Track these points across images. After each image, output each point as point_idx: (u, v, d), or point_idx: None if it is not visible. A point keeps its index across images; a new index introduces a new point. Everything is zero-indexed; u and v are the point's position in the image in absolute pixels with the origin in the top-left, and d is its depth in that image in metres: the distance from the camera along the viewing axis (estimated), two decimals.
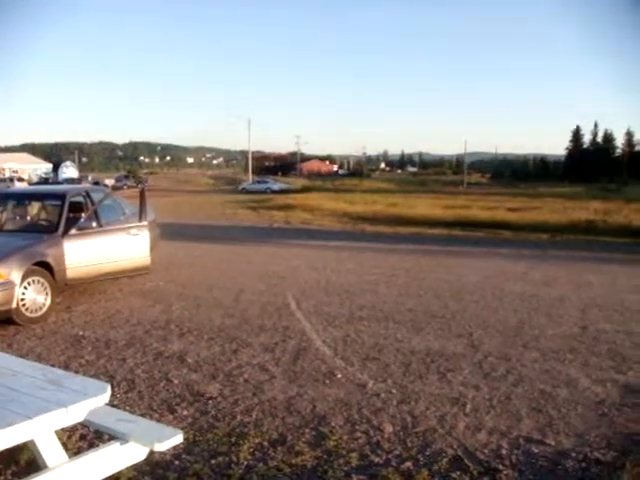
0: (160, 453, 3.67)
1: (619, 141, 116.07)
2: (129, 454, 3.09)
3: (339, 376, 5.53)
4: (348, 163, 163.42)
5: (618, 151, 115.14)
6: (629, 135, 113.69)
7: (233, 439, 4.21)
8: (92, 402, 2.96)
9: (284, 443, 4.17)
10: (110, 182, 63.43)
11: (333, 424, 4.50)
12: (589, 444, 4.25)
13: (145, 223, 9.09)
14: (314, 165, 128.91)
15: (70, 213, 8.53)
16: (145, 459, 3.25)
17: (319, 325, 7.31)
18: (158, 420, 4.45)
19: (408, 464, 3.92)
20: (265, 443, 4.17)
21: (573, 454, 4.10)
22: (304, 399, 4.98)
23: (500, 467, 3.90)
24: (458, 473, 3.81)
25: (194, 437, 4.22)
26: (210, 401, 4.92)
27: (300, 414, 4.68)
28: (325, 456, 4.00)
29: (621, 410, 4.88)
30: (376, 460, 3.96)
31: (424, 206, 30.23)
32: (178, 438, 3.12)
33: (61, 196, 8.87)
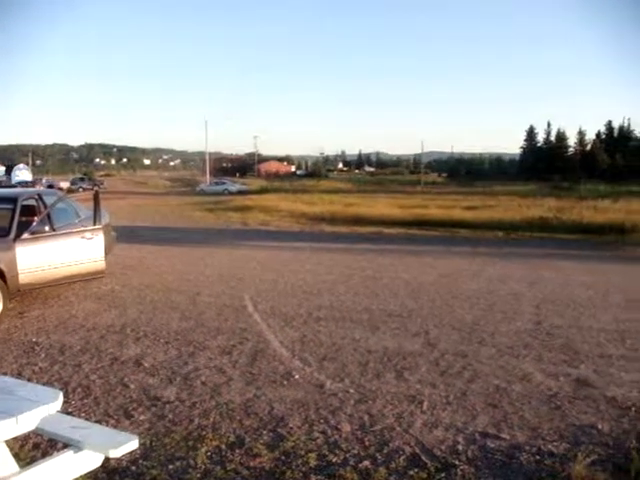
0: (116, 459, 3.63)
1: (571, 140, 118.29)
2: (84, 462, 3.04)
3: (297, 377, 5.53)
4: (306, 163, 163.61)
5: (571, 150, 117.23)
6: (581, 134, 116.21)
7: (190, 443, 4.18)
8: (43, 410, 2.90)
9: (242, 445, 4.15)
10: (65, 185, 62.25)
11: (291, 425, 4.50)
12: (542, 437, 4.34)
13: (100, 226, 8.95)
14: (272, 166, 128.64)
15: (22, 217, 8.35)
16: (101, 466, 3.20)
17: (276, 326, 7.30)
18: (114, 426, 4.39)
19: (366, 463, 3.94)
20: (223, 446, 4.14)
21: (527, 447, 4.17)
22: (262, 401, 4.97)
23: (457, 463, 3.94)
24: (415, 470, 3.84)
25: (151, 442, 4.18)
26: (167, 405, 4.87)
27: (258, 416, 4.66)
28: (283, 457, 3.99)
29: (573, 403, 4.99)
30: (334, 460, 3.97)
31: (382, 206, 30.42)
32: (134, 444, 3.07)
33: (13, 200, 8.68)
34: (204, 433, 4.34)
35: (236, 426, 4.48)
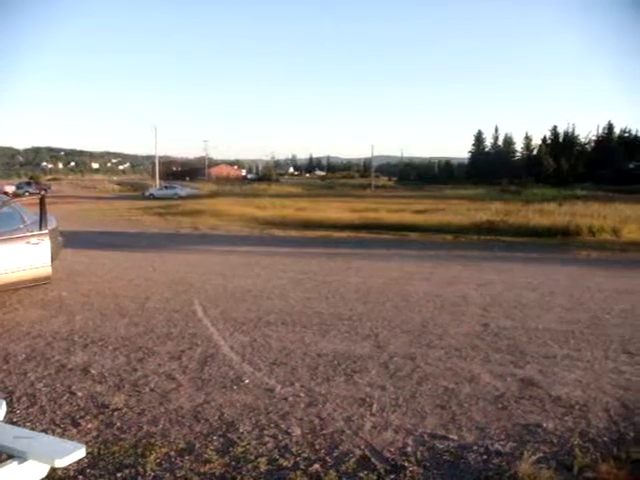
0: (63, 469, 3.58)
1: (518, 145, 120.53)
2: (28, 473, 2.99)
3: (247, 382, 5.52)
4: (257, 168, 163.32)
5: (518, 154, 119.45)
6: (527, 139, 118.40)
7: (139, 450, 4.14)
8: None
9: (192, 452, 4.13)
10: (11, 189, 60.86)
11: (241, 430, 4.49)
12: (490, 437, 4.42)
13: (46, 231, 8.76)
14: (222, 170, 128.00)
15: None
16: (46, 476, 3.15)
17: (226, 331, 7.27)
18: (61, 435, 4.33)
19: (316, 466, 3.96)
20: (172, 453, 4.12)
21: (475, 447, 4.25)
22: (212, 406, 4.95)
23: (406, 464, 3.99)
24: (365, 472, 3.88)
25: (99, 450, 4.13)
26: (115, 412, 4.81)
27: (208, 421, 4.65)
28: (234, 463, 3.99)
29: (519, 402, 5.09)
30: (285, 464, 3.98)
31: (332, 210, 30.51)
32: (80, 452, 3.03)
33: None
34: (153, 440, 4.31)
35: (186, 432, 4.45)
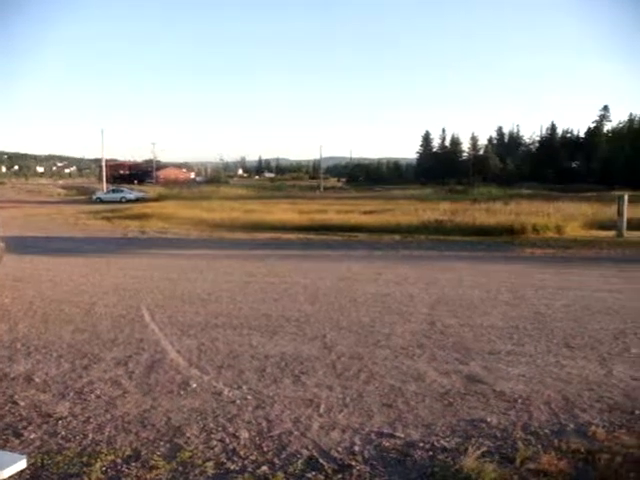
0: None
1: (465, 145, 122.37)
2: None
3: (194, 386, 5.49)
4: (206, 170, 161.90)
5: (464, 154, 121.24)
6: (474, 140, 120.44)
7: (85, 459, 4.08)
8: None
9: (138, 458, 4.09)
10: None
11: (188, 435, 4.47)
12: (436, 433, 4.49)
13: None
14: (171, 173, 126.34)
15: None
16: None
17: (173, 336, 7.22)
18: (2, 447, 4.23)
19: (264, 468, 3.96)
20: (118, 460, 4.07)
21: (421, 444, 4.31)
22: (158, 412, 4.91)
23: (353, 463, 4.02)
24: (313, 473, 3.90)
25: (42, 461, 4.05)
26: (60, 421, 4.73)
27: (155, 427, 4.61)
28: (180, 468, 3.96)
29: (464, 398, 5.19)
30: (232, 467, 3.97)
31: (281, 211, 30.50)
32: (21, 464, 2.97)
33: None
34: (99, 448, 4.25)
35: (132, 439, 4.40)
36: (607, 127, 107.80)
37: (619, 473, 3.80)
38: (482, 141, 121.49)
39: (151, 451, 4.20)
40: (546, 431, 4.54)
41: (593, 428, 4.56)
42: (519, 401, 5.14)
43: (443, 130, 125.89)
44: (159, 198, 55.33)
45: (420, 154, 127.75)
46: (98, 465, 3.98)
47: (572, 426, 4.63)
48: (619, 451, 4.14)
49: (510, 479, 3.80)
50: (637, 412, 4.92)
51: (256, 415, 4.84)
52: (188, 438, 4.41)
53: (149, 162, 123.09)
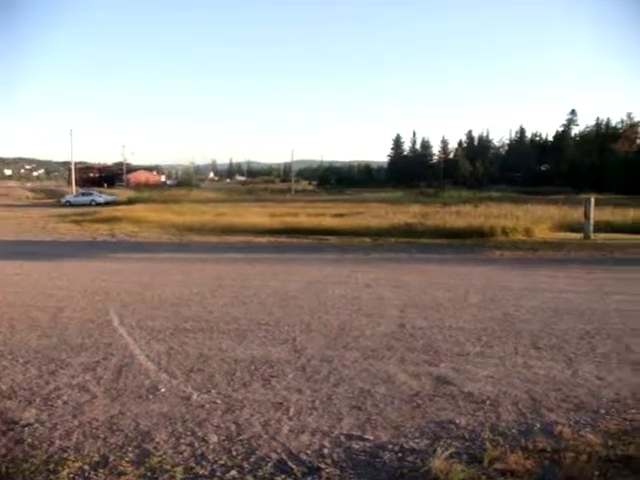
0: None
1: (436, 149, 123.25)
2: None
3: (163, 390, 5.46)
4: (176, 173, 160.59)
5: (435, 158, 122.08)
6: (444, 143, 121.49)
7: (51, 466, 4.03)
8: None
9: (106, 465, 4.06)
10: None
11: (157, 440, 4.44)
12: (405, 435, 4.53)
13: None
14: (141, 176, 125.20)
15: None
16: None
17: (142, 340, 7.17)
18: None
19: (233, 472, 3.96)
20: (86, 467, 4.03)
21: (390, 446, 4.34)
22: (127, 417, 4.87)
23: (322, 466, 4.04)
24: (282, 476, 3.91)
25: (7, 469, 3.99)
26: (26, 428, 4.67)
27: (123, 433, 4.57)
28: (149, 473, 3.94)
29: (433, 400, 5.23)
30: (201, 472, 3.97)
31: (252, 215, 30.40)
32: None
33: None
34: (66, 455, 4.21)
35: (100, 445, 4.37)
36: (575, 131, 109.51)
37: (584, 471, 3.86)
38: (452, 144, 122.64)
39: (119, 457, 4.17)
40: (513, 431, 4.60)
41: (559, 427, 4.63)
42: (487, 402, 5.19)
43: (414, 133, 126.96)
44: (129, 201, 54.78)
45: (391, 157, 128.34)
46: (65, 472, 3.94)
47: (539, 426, 4.70)
48: (584, 450, 4.21)
49: (478, 479, 3.83)
50: (602, 411, 5.01)
51: (225, 419, 4.83)
52: (157, 443, 4.39)
53: (119, 165, 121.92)
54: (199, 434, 4.55)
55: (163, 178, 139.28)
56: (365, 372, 5.97)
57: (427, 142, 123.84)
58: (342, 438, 4.48)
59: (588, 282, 11.73)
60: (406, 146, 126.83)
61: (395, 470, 3.99)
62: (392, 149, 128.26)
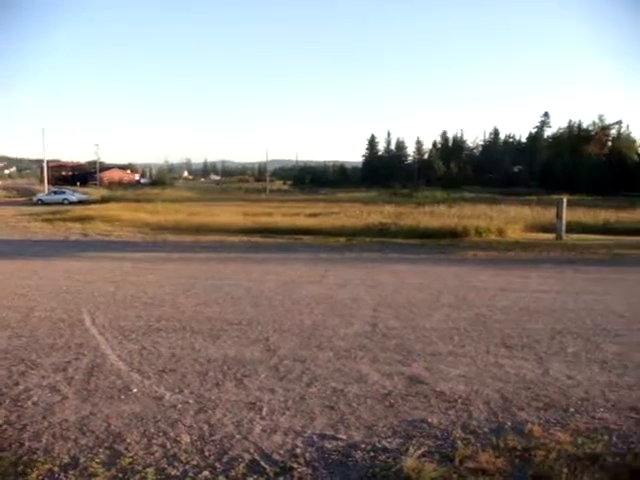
0: None
1: (410, 149, 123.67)
2: None
3: (135, 390, 5.43)
4: (150, 172, 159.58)
5: (410, 158, 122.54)
6: (419, 143, 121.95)
7: (20, 468, 4.00)
8: None
9: (76, 466, 4.03)
10: None
11: (129, 440, 4.42)
12: (377, 434, 4.55)
13: None
14: (115, 174, 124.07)
15: None
16: None
17: (114, 340, 7.11)
18: None
19: (205, 473, 3.95)
20: (56, 468, 4.01)
21: (363, 445, 4.36)
22: (98, 418, 4.83)
23: (295, 465, 4.05)
24: (255, 476, 3.91)
25: None
26: None
27: (94, 434, 4.54)
28: (120, 475, 3.93)
29: (406, 399, 5.26)
30: (173, 473, 3.95)
31: (226, 214, 30.27)
32: None
33: None
34: (35, 457, 4.17)
35: (70, 446, 4.34)
36: (547, 133, 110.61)
37: (553, 469, 3.91)
38: (427, 145, 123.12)
39: (90, 458, 4.15)
40: (485, 430, 4.65)
41: (530, 426, 4.68)
42: (459, 401, 5.23)
43: (388, 134, 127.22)
44: (103, 200, 54.30)
45: (366, 157, 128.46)
46: (34, 474, 3.91)
47: (510, 424, 4.75)
48: (554, 447, 4.26)
49: (449, 478, 3.86)
50: (571, 410, 5.07)
51: (198, 419, 4.82)
52: (128, 444, 4.36)
53: (92, 163, 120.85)
54: (171, 434, 4.53)
55: (137, 177, 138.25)
56: (338, 372, 5.99)
57: (402, 143, 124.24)
58: (315, 438, 4.49)
59: (559, 282, 11.85)
60: (381, 146, 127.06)
61: (367, 469, 4.01)
62: (367, 149, 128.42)
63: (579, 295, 10.26)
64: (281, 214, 30.13)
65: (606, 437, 4.53)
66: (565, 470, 3.88)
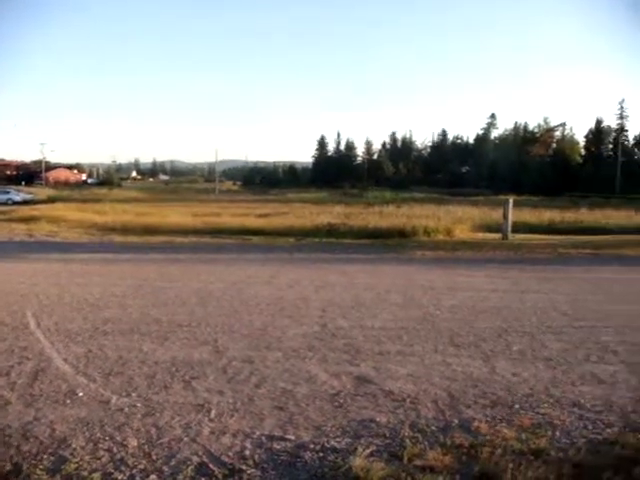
0: None
1: (360, 150, 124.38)
2: None
3: (81, 394, 5.33)
4: (98, 172, 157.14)
5: (359, 159, 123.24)
6: (368, 144, 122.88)
7: None
8: None
9: (19, 473, 3.94)
10: None
11: (74, 446, 4.33)
12: (326, 434, 4.56)
13: None
14: (61, 174, 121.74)
15: None
16: None
17: (60, 343, 6.97)
18: None
19: (153, 477, 3.91)
20: None
21: (312, 446, 4.37)
22: (42, 423, 4.73)
23: (244, 467, 4.03)
24: (203, 479, 3.87)
25: None
26: None
27: (38, 439, 4.44)
28: None
29: (354, 399, 5.29)
30: (120, 477, 3.90)
31: (175, 215, 30.00)
32: None
33: None
34: None
35: (13, 453, 4.23)
36: (494, 134, 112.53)
37: (499, 465, 3.97)
38: (376, 146, 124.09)
39: (34, 465, 4.05)
40: (432, 428, 4.70)
41: (476, 423, 4.76)
42: (407, 400, 5.29)
43: (338, 134, 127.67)
44: (49, 200, 53.17)
45: (316, 158, 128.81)
46: None
47: (457, 422, 4.82)
48: (499, 444, 4.34)
49: (398, 476, 3.89)
50: (517, 406, 5.17)
51: (145, 422, 4.76)
52: (74, 449, 4.28)
53: (38, 163, 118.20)
54: (118, 438, 4.46)
55: (84, 177, 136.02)
56: (287, 372, 5.99)
57: (351, 143, 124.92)
58: (264, 439, 4.48)
59: (505, 281, 12.08)
60: (330, 147, 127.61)
61: (316, 470, 4.01)
62: (317, 150, 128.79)
63: (525, 294, 10.47)
64: (231, 215, 30.02)
65: (550, 432, 4.63)
66: (510, 465, 3.95)
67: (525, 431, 4.62)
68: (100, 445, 4.36)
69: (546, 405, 5.23)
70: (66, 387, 5.52)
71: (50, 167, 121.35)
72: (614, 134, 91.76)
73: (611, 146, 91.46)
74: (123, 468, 4.02)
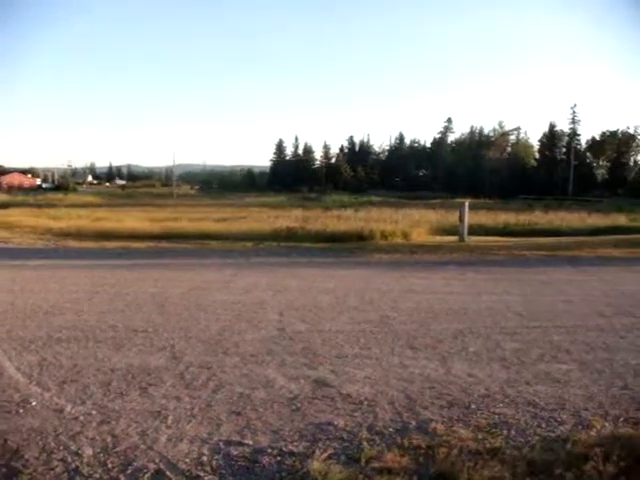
0: None
1: (318, 154, 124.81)
2: None
3: (34, 403, 5.24)
4: (52, 176, 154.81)
5: (317, 163, 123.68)
6: (326, 148, 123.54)
7: None
8: None
9: None
10: None
11: (27, 457, 4.26)
12: (284, 438, 4.57)
13: None
14: (15, 179, 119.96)
15: None
16: None
17: (13, 351, 6.84)
18: None
19: None
20: None
21: (269, 450, 4.37)
22: None
23: (201, 474, 4.03)
24: None
25: None
26: None
27: None
28: None
29: (312, 403, 5.31)
30: None
31: (132, 219, 29.68)
32: None
33: None
34: None
35: None
36: (451, 138, 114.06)
37: (456, 465, 4.02)
38: (334, 149, 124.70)
39: None
40: (390, 430, 4.74)
41: (433, 424, 4.82)
42: (365, 402, 5.32)
43: (296, 138, 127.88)
44: (1, 205, 52.21)
45: (274, 162, 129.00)
46: None
47: (414, 423, 4.87)
48: (456, 444, 4.40)
49: (355, 479, 3.92)
50: (473, 406, 5.25)
51: (101, 431, 4.70)
52: (27, 460, 4.21)
53: None
54: (72, 448, 4.40)
55: (38, 181, 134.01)
56: (245, 377, 5.98)
57: (309, 147, 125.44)
58: (221, 444, 4.47)
59: (462, 283, 12.21)
60: (289, 151, 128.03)
61: (274, 474, 4.02)
62: (275, 154, 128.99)
63: (480, 295, 10.61)
64: (188, 219, 29.85)
65: (505, 431, 4.72)
66: (467, 465, 4.00)
67: (481, 431, 4.69)
68: (54, 455, 4.29)
69: (501, 405, 5.31)
70: (19, 397, 5.42)
71: (3, 172, 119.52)
72: (567, 138, 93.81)
73: (564, 150, 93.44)
74: (78, 478, 3.97)
